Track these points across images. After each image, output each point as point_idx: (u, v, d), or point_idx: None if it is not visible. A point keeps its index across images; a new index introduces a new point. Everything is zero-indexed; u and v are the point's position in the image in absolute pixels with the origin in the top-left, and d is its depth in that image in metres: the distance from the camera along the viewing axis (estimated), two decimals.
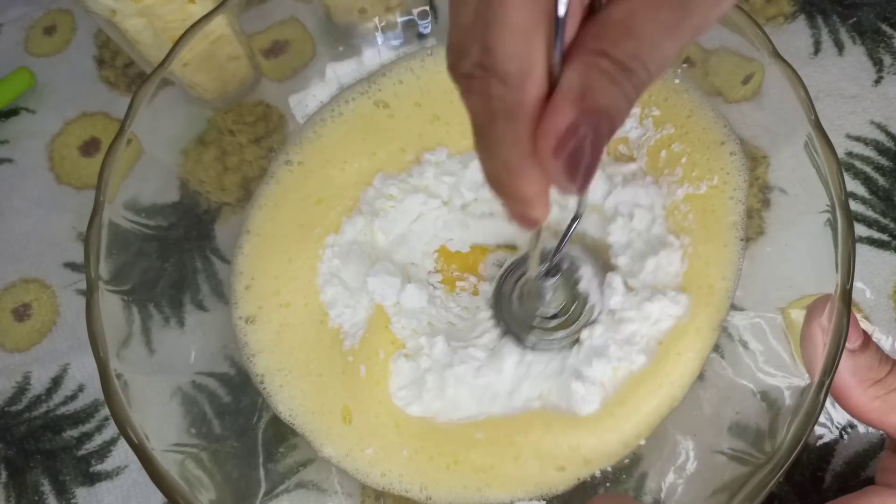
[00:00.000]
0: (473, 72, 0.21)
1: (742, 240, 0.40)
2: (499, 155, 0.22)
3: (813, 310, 0.32)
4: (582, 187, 0.21)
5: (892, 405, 0.32)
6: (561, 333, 0.39)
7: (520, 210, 0.23)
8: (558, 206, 0.39)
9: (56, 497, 0.44)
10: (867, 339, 0.33)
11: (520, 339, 0.39)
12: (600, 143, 0.21)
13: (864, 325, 0.43)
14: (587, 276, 0.39)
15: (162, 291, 0.40)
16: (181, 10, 0.41)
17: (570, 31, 0.21)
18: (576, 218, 0.31)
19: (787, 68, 0.36)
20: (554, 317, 0.39)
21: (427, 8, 0.46)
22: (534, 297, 0.39)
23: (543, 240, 0.32)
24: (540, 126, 0.21)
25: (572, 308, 0.39)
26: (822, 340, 0.31)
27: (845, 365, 0.31)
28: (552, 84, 0.21)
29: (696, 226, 0.40)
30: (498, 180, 0.22)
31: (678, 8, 0.20)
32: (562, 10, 0.19)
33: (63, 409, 0.46)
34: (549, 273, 0.36)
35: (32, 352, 0.48)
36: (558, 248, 0.33)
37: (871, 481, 0.39)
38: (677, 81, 0.42)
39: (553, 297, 0.39)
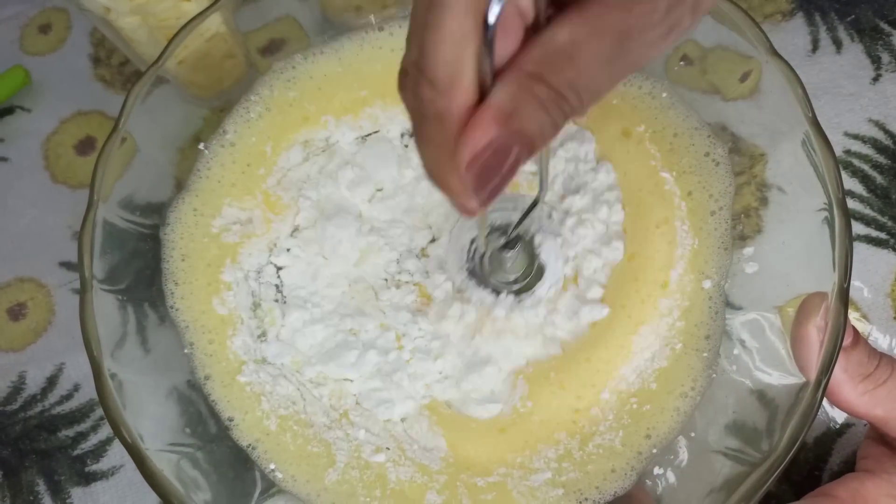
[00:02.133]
0: (409, 69, 0.21)
1: (726, 249, 0.39)
2: (429, 152, 0.22)
3: (806, 309, 0.33)
4: (485, 202, 0.22)
5: (879, 399, 0.33)
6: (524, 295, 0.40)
7: (455, 201, 0.24)
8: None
9: (51, 497, 0.44)
10: (857, 335, 0.34)
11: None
12: (515, 166, 0.21)
13: (862, 324, 0.43)
14: (547, 244, 0.40)
15: (157, 290, 0.40)
16: (175, 9, 0.41)
17: (508, 47, 0.21)
18: (535, 202, 0.32)
19: (785, 66, 0.35)
20: (515, 282, 0.40)
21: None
22: (495, 267, 0.39)
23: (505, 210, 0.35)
24: (462, 134, 0.21)
25: (532, 273, 0.40)
26: (817, 340, 0.31)
27: (837, 362, 0.31)
28: (484, 96, 0.21)
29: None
30: (430, 173, 0.23)
31: (618, 42, 0.21)
32: (492, 19, 0.19)
33: (58, 409, 0.46)
34: (508, 246, 0.37)
35: (27, 351, 0.48)
36: (516, 226, 0.35)
37: None
38: (665, 95, 0.42)
39: (513, 266, 0.39)
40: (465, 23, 0.20)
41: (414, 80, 0.21)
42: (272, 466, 0.37)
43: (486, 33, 0.20)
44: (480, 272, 0.39)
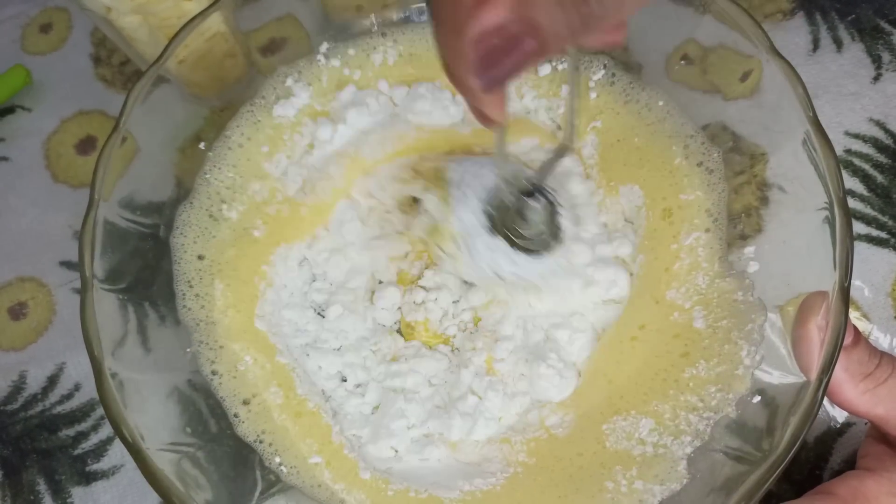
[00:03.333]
0: None
1: (722, 258, 0.39)
2: (442, 35, 0.22)
3: (807, 308, 0.33)
4: (487, 88, 0.22)
5: (880, 397, 0.33)
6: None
7: (472, 104, 0.23)
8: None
9: (52, 496, 0.44)
10: (858, 334, 0.34)
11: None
12: (522, 58, 0.21)
13: (862, 323, 0.43)
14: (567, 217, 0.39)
15: (158, 290, 0.40)
16: (176, 8, 0.41)
17: None
18: (563, 147, 0.31)
19: (786, 65, 0.35)
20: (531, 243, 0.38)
21: (424, 4, 0.46)
22: (514, 217, 0.37)
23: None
24: (472, 13, 0.21)
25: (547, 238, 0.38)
26: (818, 339, 0.31)
27: (838, 361, 0.31)
28: None
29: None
30: (442, 59, 0.23)
31: None
32: None
33: (59, 409, 0.46)
34: (531, 194, 0.36)
35: (28, 350, 0.48)
36: (542, 171, 0.33)
37: None
38: (661, 103, 0.42)
39: (535, 221, 0.37)
40: None
41: None
42: (277, 460, 0.37)
43: None
44: (497, 220, 0.37)
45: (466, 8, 0.21)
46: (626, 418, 0.37)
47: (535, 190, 0.36)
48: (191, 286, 0.40)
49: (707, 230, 0.40)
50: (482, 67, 0.21)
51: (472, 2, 0.21)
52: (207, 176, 0.42)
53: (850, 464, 0.40)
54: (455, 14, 0.21)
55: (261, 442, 0.38)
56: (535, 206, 0.36)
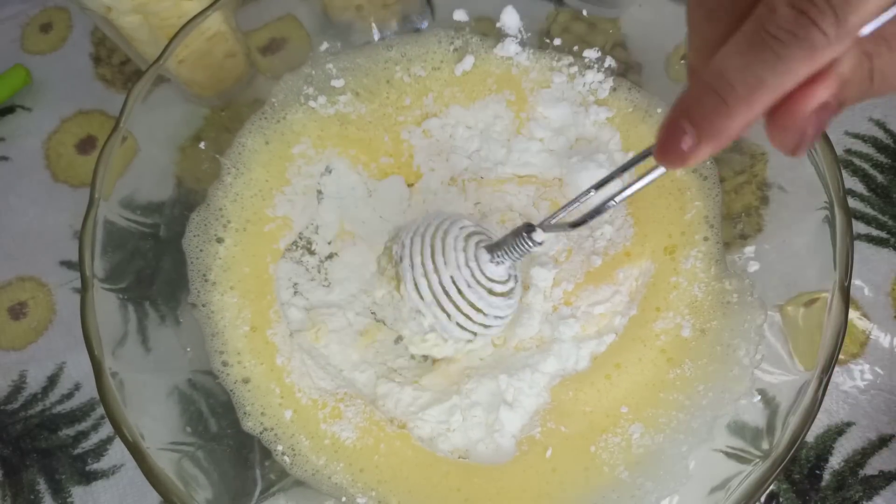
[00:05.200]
0: (819, 3, 0.22)
1: (719, 261, 0.39)
2: (755, 66, 0.23)
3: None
4: (797, 152, 0.24)
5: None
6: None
7: (695, 151, 0.24)
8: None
9: (52, 496, 0.44)
10: None
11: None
12: (823, 127, 0.23)
13: (862, 322, 0.43)
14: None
15: (158, 289, 0.40)
16: (176, 7, 0.41)
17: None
18: (609, 201, 0.30)
19: None
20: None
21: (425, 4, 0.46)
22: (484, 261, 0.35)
23: None
24: (808, 85, 0.23)
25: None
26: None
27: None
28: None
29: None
30: (745, 81, 0.23)
31: None
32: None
33: (59, 408, 0.46)
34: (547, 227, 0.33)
35: (28, 350, 0.48)
36: (566, 207, 0.32)
37: (869, 479, 0.39)
38: (660, 111, 0.43)
39: (504, 269, 0.35)
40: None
41: (820, 10, 0.22)
42: (279, 448, 0.38)
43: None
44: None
45: (803, 65, 0.22)
46: (615, 433, 0.37)
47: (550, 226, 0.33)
48: (206, 281, 0.41)
49: (705, 238, 0.40)
50: (803, 137, 0.23)
51: (813, 62, 0.22)
52: (224, 183, 0.43)
53: (850, 464, 0.40)
54: (802, 66, 0.22)
55: (272, 430, 0.38)
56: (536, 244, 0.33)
